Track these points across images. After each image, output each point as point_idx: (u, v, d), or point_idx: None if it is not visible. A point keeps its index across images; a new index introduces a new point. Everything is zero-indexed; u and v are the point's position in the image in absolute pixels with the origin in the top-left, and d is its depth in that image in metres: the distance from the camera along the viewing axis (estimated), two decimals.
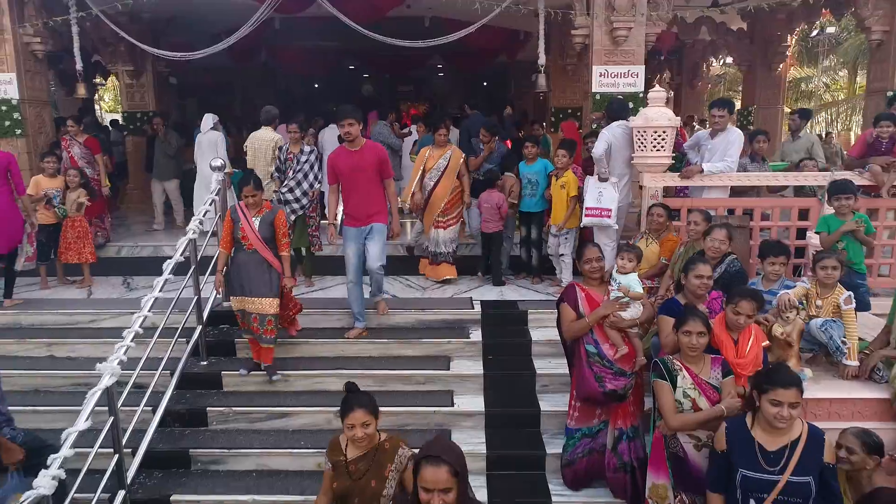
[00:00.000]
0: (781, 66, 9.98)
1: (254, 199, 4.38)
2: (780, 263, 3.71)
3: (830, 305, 3.55)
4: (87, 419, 3.19)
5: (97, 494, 3.34)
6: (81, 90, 7.89)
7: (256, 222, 4.39)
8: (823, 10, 8.75)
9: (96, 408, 3.26)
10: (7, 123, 7.25)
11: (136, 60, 9.52)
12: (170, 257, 4.27)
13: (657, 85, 5.70)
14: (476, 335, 4.85)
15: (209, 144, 7.25)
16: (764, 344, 3.28)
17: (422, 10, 9.51)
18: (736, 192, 5.35)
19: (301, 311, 4.84)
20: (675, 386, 3.04)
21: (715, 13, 9.48)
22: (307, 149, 6.05)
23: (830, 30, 12.76)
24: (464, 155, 5.94)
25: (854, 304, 3.52)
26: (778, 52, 9.81)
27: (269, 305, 4.33)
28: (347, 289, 4.82)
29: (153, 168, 8.09)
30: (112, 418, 3.46)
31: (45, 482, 2.86)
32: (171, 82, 10.84)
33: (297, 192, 5.90)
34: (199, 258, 4.73)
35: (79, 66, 7.59)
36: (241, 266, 4.39)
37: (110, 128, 11.03)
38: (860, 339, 3.55)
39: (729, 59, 11.84)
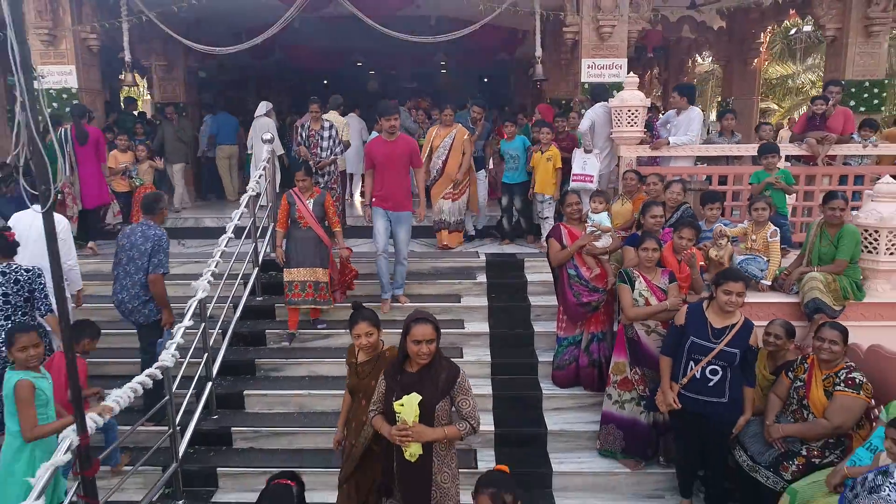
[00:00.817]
0: (756, 61, 11.10)
1: (305, 184, 5.18)
2: (717, 208, 4.82)
3: (762, 239, 4.64)
4: (189, 318, 4.27)
5: (189, 390, 4.44)
6: (129, 79, 8.95)
7: (310, 204, 5.21)
8: (791, 11, 9.86)
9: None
10: (68, 109, 8.32)
11: (169, 56, 10.62)
12: (209, 227, 5.34)
13: (645, 79, 6.80)
14: (482, 278, 5.93)
15: (261, 127, 8.35)
16: (701, 264, 4.38)
17: (429, 10, 10.57)
18: (708, 160, 6.43)
19: (357, 277, 5.63)
20: (633, 288, 4.12)
21: (696, 12, 10.58)
22: (326, 125, 7.05)
23: (807, 28, 13.85)
24: (468, 132, 6.90)
25: (779, 238, 4.62)
26: (752, 48, 10.94)
27: (323, 274, 5.15)
28: (377, 262, 5.47)
29: (164, 152, 9.17)
30: (203, 324, 4.54)
31: (167, 357, 3.94)
32: (201, 75, 11.87)
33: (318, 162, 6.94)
34: (255, 214, 5.81)
35: (128, 57, 8.68)
36: (298, 241, 5.16)
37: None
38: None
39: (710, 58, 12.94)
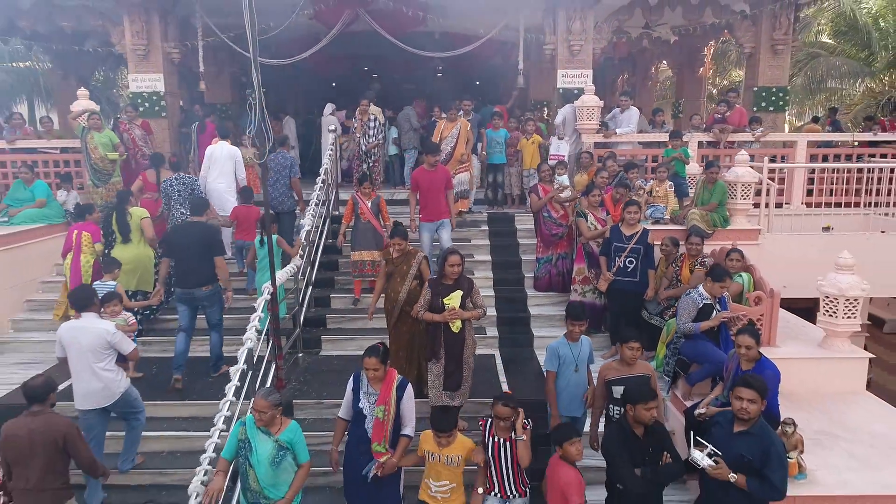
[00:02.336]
0: (701, 69, 13.86)
1: (366, 190, 7.34)
2: (636, 174, 7.49)
3: (663, 190, 7.31)
4: (303, 237, 6.83)
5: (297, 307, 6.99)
6: (202, 86, 11.46)
7: (369, 204, 7.37)
8: (725, 31, 12.60)
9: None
10: (156, 108, 10.81)
11: (218, 64, 13.12)
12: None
13: (618, 83, 9.47)
14: (484, 227, 8.56)
15: (327, 122, 10.90)
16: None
17: (434, 27, 13.11)
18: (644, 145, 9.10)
19: None
20: (587, 220, 6.76)
21: (651, 30, 13.27)
22: (372, 116, 9.61)
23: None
24: (469, 123, 9.41)
25: (673, 189, 7.30)
26: (698, 59, 13.70)
27: (378, 255, 7.13)
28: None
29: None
30: (308, 247, 7.10)
31: (296, 262, 6.51)
32: (243, 80, 14.34)
33: (365, 148, 9.49)
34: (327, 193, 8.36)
35: (201, 68, 11.19)
36: (360, 231, 7.15)
37: None
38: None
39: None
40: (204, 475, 4.02)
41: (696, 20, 11.20)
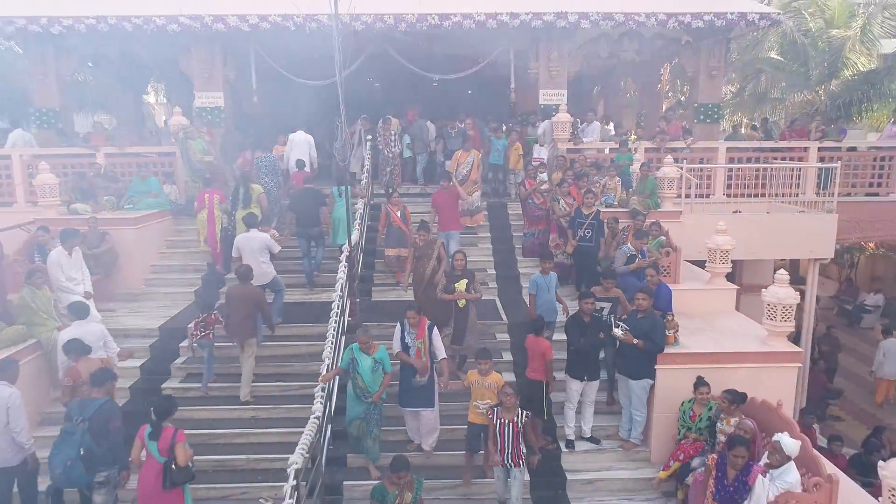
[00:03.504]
0: (659, 86, 16.99)
1: (395, 201, 10.08)
2: (597, 173, 10.52)
3: (614, 184, 10.33)
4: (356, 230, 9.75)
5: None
6: (255, 100, 14.28)
7: (399, 213, 10.16)
8: (676, 57, 15.70)
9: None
10: (217, 119, 13.65)
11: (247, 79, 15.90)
12: None
13: (593, 93, 12.49)
14: (485, 212, 11.54)
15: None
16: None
17: (439, 50, 15.88)
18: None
19: None
20: (559, 204, 9.76)
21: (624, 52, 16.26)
22: (392, 130, 12.52)
23: None
24: (479, 154, 12.09)
25: (620, 182, 10.34)
26: (656, 78, 16.81)
27: (405, 252, 9.75)
28: None
29: None
30: (354, 240, 10.00)
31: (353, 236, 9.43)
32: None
33: (389, 156, 12.39)
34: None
35: (255, 86, 14.02)
36: (392, 234, 10.01)
37: None
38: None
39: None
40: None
41: (650, 50, 14.32)
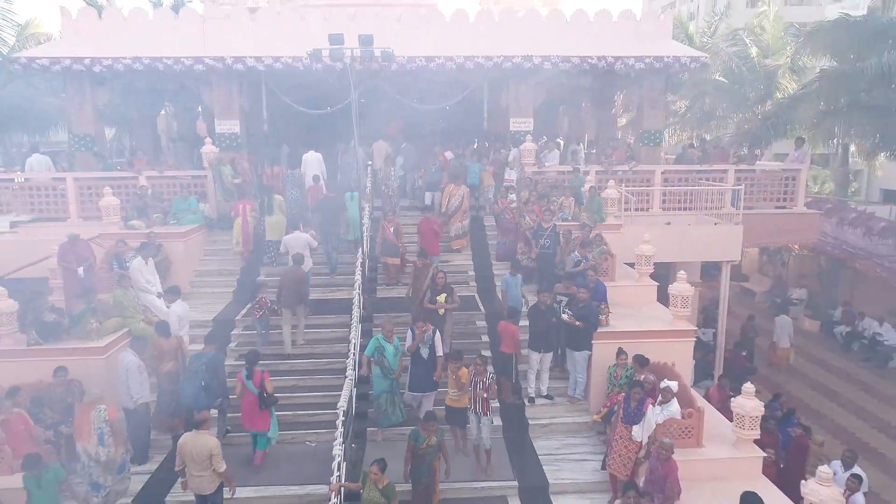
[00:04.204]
0: (613, 111, 19.82)
1: (391, 218, 12.93)
2: (555, 194, 13.22)
3: (568, 202, 13.04)
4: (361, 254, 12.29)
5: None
6: (265, 128, 16.68)
7: (392, 229, 12.78)
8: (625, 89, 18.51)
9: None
10: (234, 144, 16.01)
11: (254, 105, 18.29)
12: None
13: (559, 112, 15.18)
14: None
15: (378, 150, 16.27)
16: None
17: (426, 83, 18.33)
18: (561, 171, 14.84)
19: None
20: (525, 219, 12.42)
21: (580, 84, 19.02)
22: (385, 154, 15.07)
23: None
24: (468, 190, 14.64)
25: (573, 200, 13.04)
26: (611, 104, 19.61)
27: (397, 260, 12.72)
28: None
29: None
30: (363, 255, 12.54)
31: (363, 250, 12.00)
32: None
33: (386, 188, 14.87)
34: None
35: (265, 115, 16.41)
36: (387, 245, 12.38)
37: None
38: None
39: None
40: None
41: (602, 83, 17.10)
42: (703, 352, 15.66)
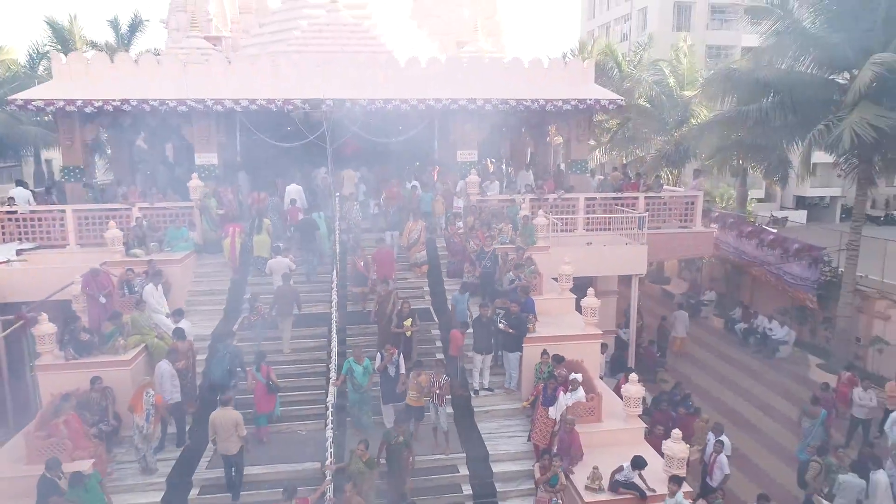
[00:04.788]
0: (547, 138, 22.74)
1: (360, 254, 15.28)
2: (496, 221, 15.97)
3: (506, 228, 15.79)
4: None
5: None
6: (238, 158, 18.80)
7: (362, 263, 15.16)
8: (552, 126, 21.40)
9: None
10: (212, 175, 18.07)
11: (230, 139, 20.40)
12: None
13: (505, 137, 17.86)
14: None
15: (348, 178, 18.65)
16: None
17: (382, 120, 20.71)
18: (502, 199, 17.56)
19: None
20: (470, 243, 15.09)
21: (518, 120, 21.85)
22: (352, 182, 17.50)
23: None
24: (425, 224, 17.11)
25: (512, 226, 15.82)
26: (547, 134, 22.52)
27: (365, 289, 15.17)
28: None
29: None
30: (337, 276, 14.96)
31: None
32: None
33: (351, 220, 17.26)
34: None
35: (238, 148, 18.53)
36: (356, 276, 14.62)
37: None
38: None
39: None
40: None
41: (538, 118, 19.97)
42: (621, 348, 18.74)
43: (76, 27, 31.60)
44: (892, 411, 13.55)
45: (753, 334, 21.82)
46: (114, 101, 16.93)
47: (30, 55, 28.02)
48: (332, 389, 10.90)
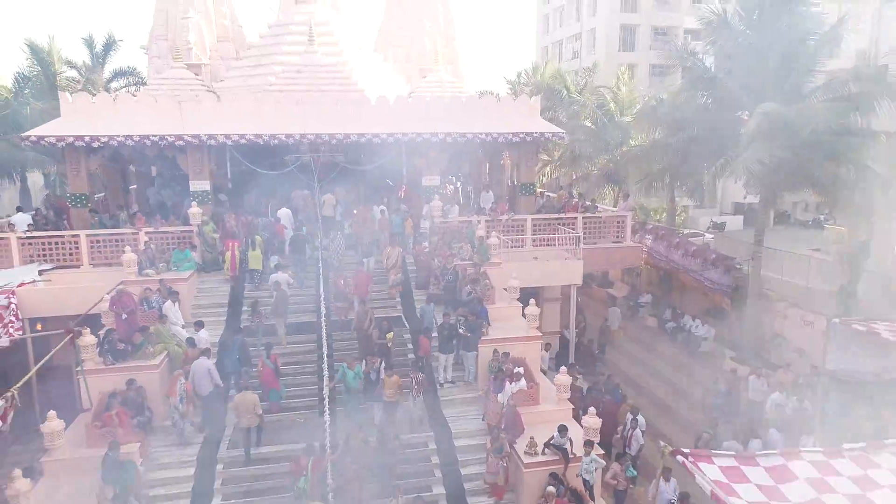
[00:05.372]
0: (501, 161, 25.88)
1: (341, 275, 18.23)
2: (455, 239, 18.97)
3: (465, 248, 18.81)
4: None
5: None
6: (229, 184, 21.33)
7: (342, 282, 18.01)
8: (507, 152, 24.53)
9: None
10: (206, 200, 20.55)
11: (220, 165, 22.94)
12: None
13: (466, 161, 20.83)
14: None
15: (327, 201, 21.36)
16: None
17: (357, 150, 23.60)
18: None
19: None
20: (435, 261, 18.04)
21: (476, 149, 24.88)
22: (332, 204, 20.30)
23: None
24: (402, 249, 19.95)
25: (471, 246, 18.84)
26: (500, 158, 25.62)
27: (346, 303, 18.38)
28: None
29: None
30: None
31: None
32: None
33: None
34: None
35: (229, 175, 21.06)
36: (336, 294, 17.98)
37: None
38: None
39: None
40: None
41: (493, 147, 23.06)
42: (565, 346, 21.98)
43: (55, 48, 33.42)
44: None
45: (681, 331, 25.33)
46: (118, 136, 19.31)
47: (16, 79, 29.81)
48: (326, 388, 13.69)
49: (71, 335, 13.06)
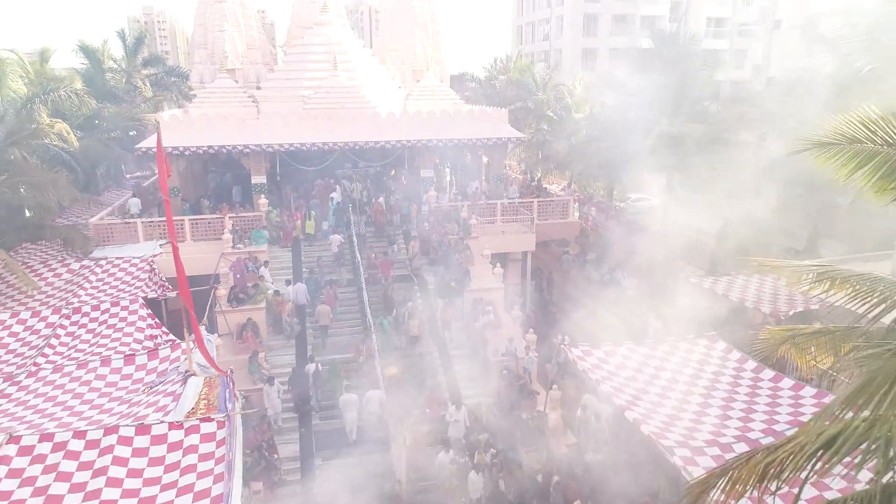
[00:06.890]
0: (480, 154, 34.39)
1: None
2: (447, 221, 27.74)
3: (452, 227, 27.57)
4: None
5: None
6: (278, 178, 29.63)
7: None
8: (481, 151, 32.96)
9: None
10: (263, 189, 28.83)
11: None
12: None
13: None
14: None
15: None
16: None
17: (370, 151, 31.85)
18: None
19: None
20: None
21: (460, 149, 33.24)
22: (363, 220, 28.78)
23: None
24: (418, 241, 28.53)
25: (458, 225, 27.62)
26: (477, 155, 34.10)
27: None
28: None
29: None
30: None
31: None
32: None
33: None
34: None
35: (279, 170, 29.29)
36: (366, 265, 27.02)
37: None
38: None
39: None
40: None
41: (473, 147, 31.54)
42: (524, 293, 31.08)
43: (105, 49, 40.77)
44: None
45: (613, 282, 34.60)
46: (202, 146, 27.41)
47: (83, 79, 37.25)
48: (369, 321, 22.55)
49: (214, 289, 21.72)
